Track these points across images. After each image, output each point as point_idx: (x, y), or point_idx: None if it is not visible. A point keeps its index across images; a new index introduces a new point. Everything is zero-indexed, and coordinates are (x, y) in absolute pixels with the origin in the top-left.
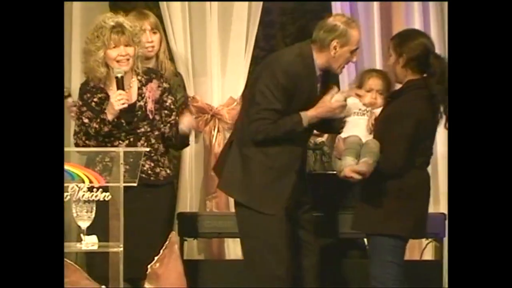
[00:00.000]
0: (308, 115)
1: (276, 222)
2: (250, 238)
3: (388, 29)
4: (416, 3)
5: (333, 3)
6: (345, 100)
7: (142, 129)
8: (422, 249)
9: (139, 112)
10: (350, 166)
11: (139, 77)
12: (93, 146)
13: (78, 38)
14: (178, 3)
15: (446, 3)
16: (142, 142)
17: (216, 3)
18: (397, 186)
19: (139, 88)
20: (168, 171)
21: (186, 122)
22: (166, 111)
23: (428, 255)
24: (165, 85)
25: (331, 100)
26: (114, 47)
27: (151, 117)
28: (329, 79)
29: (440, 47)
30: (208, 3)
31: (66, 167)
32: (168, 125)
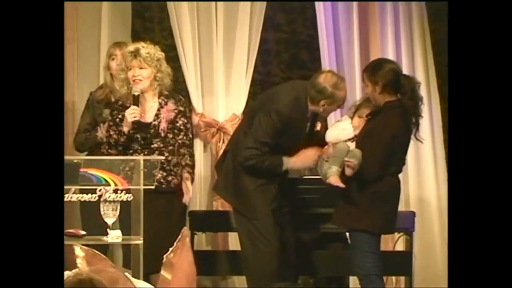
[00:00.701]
0: (289, 162)
1: (264, 222)
2: (244, 236)
3: (366, 56)
4: (390, 36)
5: (319, 29)
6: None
7: (155, 145)
8: (394, 241)
9: (152, 130)
10: (335, 175)
11: (160, 100)
12: (115, 155)
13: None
14: (190, 34)
15: (416, 37)
16: (156, 155)
17: (221, 33)
18: (372, 190)
19: (157, 109)
20: (180, 179)
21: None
22: (176, 131)
23: (400, 247)
24: (180, 108)
25: (310, 157)
26: (130, 69)
27: (163, 135)
28: (318, 116)
29: (410, 71)
30: (215, 33)
31: (94, 172)
32: (177, 143)
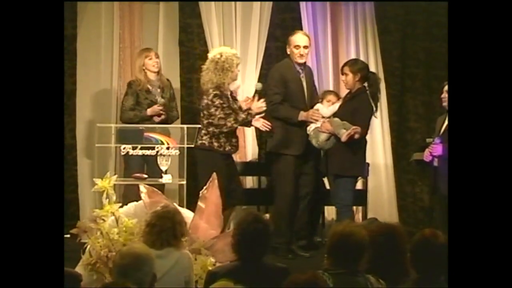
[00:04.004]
0: (302, 115)
1: (289, 160)
2: (273, 169)
3: (336, 58)
4: (352, 43)
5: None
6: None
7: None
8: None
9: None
10: (345, 134)
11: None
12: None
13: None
14: (217, 44)
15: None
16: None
17: (239, 44)
18: (358, 146)
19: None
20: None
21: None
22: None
23: (359, 186)
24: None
25: (311, 113)
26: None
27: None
28: (311, 80)
29: (372, 67)
30: (235, 44)
31: (154, 135)
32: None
